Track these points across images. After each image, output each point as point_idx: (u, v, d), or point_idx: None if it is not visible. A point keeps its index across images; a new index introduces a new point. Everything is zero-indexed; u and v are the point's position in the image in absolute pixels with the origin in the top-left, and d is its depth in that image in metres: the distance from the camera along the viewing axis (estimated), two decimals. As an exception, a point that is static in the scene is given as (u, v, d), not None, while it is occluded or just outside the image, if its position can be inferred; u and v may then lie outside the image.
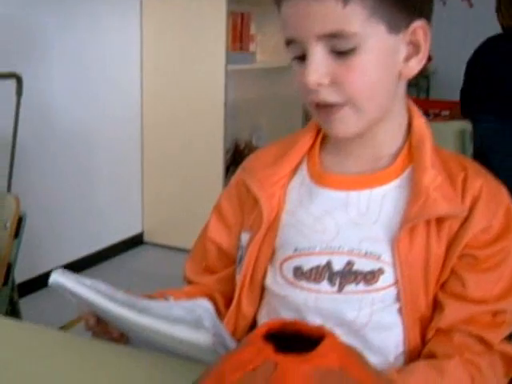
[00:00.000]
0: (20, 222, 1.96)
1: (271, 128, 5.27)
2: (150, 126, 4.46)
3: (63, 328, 3.22)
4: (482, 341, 1.19)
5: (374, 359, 1.15)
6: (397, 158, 1.25)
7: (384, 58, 1.16)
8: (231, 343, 1.11)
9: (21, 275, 3.30)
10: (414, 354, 1.22)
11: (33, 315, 3.30)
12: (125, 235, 4.50)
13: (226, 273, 1.40)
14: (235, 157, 5.00)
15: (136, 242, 4.60)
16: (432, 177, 1.20)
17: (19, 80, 2.94)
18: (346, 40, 1.11)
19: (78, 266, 3.92)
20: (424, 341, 1.22)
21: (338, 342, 0.85)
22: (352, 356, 0.85)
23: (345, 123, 1.19)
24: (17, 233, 1.95)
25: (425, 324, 1.21)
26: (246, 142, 5.18)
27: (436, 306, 1.21)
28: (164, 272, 3.78)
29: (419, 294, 1.19)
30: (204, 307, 1.07)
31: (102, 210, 4.28)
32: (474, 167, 1.26)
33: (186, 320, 1.07)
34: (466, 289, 1.18)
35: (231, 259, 1.39)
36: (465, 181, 1.21)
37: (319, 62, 1.13)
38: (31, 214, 3.54)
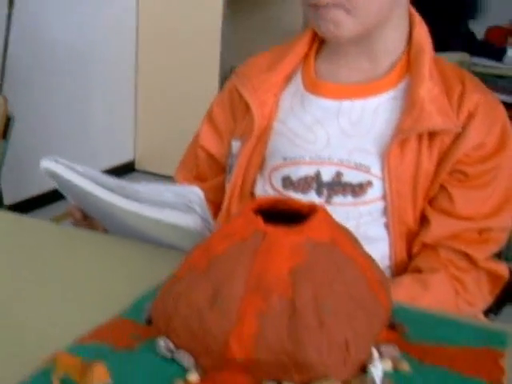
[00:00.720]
0: (8, 122, 1.92)
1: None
2: (145, 54, 4.39)
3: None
4: (467, 257, 1.19)
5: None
6: (394, 68, 1.23)
7: None
8: None
9: (11, 197, 3.30)
10: (400, 269, 1.22)
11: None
12: (115, 162, 4.46)
13: (217, 181, 1.39)
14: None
15: (127, 169, 4.57)
16: (428, 88, 1.17)
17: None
18: None
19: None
20: (410, 256, 1.22)
21: (331, 217, 0.84)
22: (344, 233, 0.84)
23: (340, 26, 1.16)
24: (5, 134, 1.92)
25: (411, 239, 1.21)
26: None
27: (422, 221, 1.20)
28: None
29: (407, 208, 1.19)
30: (195, 193, 1.06)
31: (94, 134, 4.22)
32: (473, 82, 1.24)
33: (175, 205, 1.06)
34: (454, 205, 1.18)
35: (222, 167, 1.38)
36: (462, 95, 1.19)
37: None
38: (22, 133, 3.56)
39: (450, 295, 1.17)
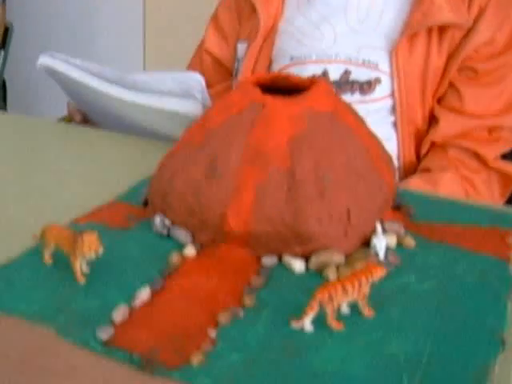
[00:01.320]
0: (6, 31, 1.87)
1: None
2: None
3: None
4: (477, 156, 1.16)
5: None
6: None
7: None
8: None
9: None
10: (409, 170, 1.20)
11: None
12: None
13: (223, 87, 1.35)
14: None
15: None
16: None
17: None
18: None
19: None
20: (419, 157, 1.20)
21: (333, 90, 0.80)
22: (347, 107, 0.81)
23: None
24: (4, 43, 1.87)
25: (420, 139, 1.19)
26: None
27: (431, 120, 1.18)
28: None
29: (415, 106, 1.16)
30: (195, 79, 1.03)
31: (101, 48, 4.16)
32: None
33: (175, 92, 1.03)
34: (463, 103, 1.15)
35: (228, 72, 1.34)
36: None
37: None
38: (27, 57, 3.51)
39: (460, 195, 1.14)
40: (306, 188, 0.71)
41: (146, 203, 0.82)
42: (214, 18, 1.37)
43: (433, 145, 1.17)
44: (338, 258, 0.71)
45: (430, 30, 1.14)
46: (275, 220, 0.71)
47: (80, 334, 0.57)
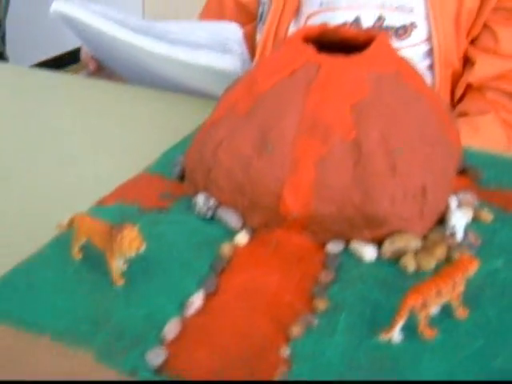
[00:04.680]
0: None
1: None
2: None
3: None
4: None
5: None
6: None
7: None
8: None
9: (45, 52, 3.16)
10: None
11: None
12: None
13: (246, 30, 1.24)
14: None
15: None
16: None
17: None
18: None
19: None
20: (454, 101, 1.13)
21: (392, 47, 0.69)
22: (408, 64, 0.70)
23: None
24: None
25: (456, 81, 1.13)
26: None
27: (466, 62, 1.12)
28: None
29: (452, 48, 1.09)
30: (232, 30, 0.93)
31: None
32: None
33: (210, 44, 0.93)
34: (499, 44, 1.08)
35: (251, 15, 1.23)
36: None
37: None
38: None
39: (502, 138, 1.08)
40: (374, 162, 0.61)
41: (181, 176, 0.72)
42: None
43: (469, 87, 1.12)
44: (415, 243, 0.61)
45: None
46: (340, 200, 0.61)
47: (126, 359, 0.48)
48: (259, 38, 1.18)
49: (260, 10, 1.19)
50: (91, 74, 1.10)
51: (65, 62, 3.47)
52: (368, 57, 0.65)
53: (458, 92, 1.13)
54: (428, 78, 1.12)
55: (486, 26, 1.10)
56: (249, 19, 1.24)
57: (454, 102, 1.14)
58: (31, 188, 0.74)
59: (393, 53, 0.68)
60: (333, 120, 0.62)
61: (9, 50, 2.51)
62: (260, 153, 0.63)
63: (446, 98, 1.13)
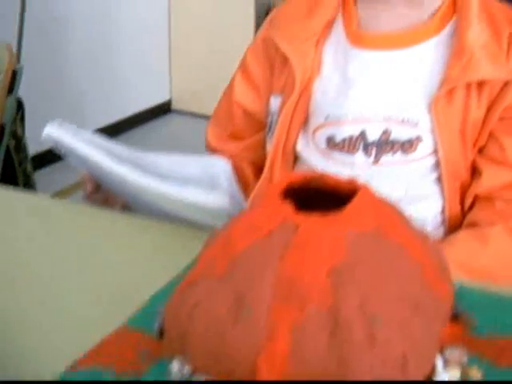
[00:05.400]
0: (14, 75, 1.75)
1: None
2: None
3: (58, 194, 3.07)
4: None
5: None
6: (439, 9, 1.11)
7: None
8: None
9: (37, 146, 3.18)
10: (455, 225, 1.12)
11: (49, 189, 3.19)
12: (152, 103, 4.32)
13: (255, 139, 1.26)
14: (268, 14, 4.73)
15: (164, 110, 4.43)
16: (477, 33, 1.07)
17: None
18: None
19: (104, 135, 3.77)
20: (463, 212, 1.13)
21: (374, 196, 0.68)
22: (392, 213, 0.69)
23: None
24: (11, 88, 1.74)
25: (465, 191, 1.12)
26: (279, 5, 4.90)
27: (474, 172, 1.11)
28: (193, 141, 3.60)
29: (459, 159, 1.09)
30: (221, 166, 0.93)
31: (128, 78, 4.09)
32: None
33: (199, 179, 0.93)
34: (506, 153, 1.08)
35: (260, 124, 1.24)
36: (511, 36, 1.08)
37: None
38: (46, 81, 3.43)
39: (511, 250, 1.07)
40: (352, 332, 0.59)
41: (161, 332, 0.71)
42: (243, 67, 1.26)
43: (477, 197, 1.11)
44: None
45: (468, 84, 1.08)
46: (316, 370, 0.59)
47: None
48: (269, 148, 1.19)
49: (269, 119, 1.20)
50: (90, 194, 1.10)
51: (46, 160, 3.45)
52: (348, 214, 0.64)
53: (467, 202, 1.12)
54: (436, 191, 1.12)
55: (492, 135, 1.09)
56: (258, 128, 1.25)
57: (464, 212, 1.13)
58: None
59: (374, 204, 0.67)
60: (309, 285, 0.60)
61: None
62: (236, 318, 0.61)
63: (456, 208, 1.12)
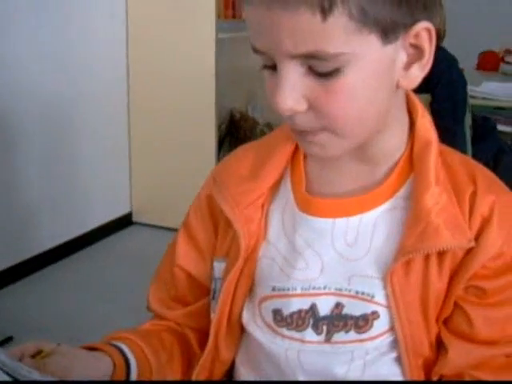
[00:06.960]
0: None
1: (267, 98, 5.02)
2: (137, 100, 4.18)
3: None
4: None
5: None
6: (394, 169, 1.02)
7: (376, 75, 0.89)
8: None
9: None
10: None
11: (11, 308, 3.08)
12: (112, 216, 4.23)
13: (199, 306, 1.16)
14: (230, 128, 4.74)
15: (124, 222, 4.35)
16: (435, 197, 0.97)
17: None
18: (327, 61, 0.85)
19: (63, 251, 3.70)
20: None
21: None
22: None
23: (327, 148, 0.95)
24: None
25: (429, 368, 1.02)
26: (242, 112, 4.91)
27: (439, 346, 1.01)
28: (155, 253, 3.53)
29: (420, 336, 0.99)
30: None
31: (87, 191, 4.01)
32: (486, 179, 1.02)
33: None
34: (474, 328, 0.98)
35: (205, 289, 1.15)
36: (473, 197, 0.99)
37: (293, 84, 0.88)
38: (6, 199, 3.32)
39: None
40: None
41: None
42: (186, 226, 1.17)
43: (444, 377, 1.00)
44: None
45: (427, 254, 0.98)
46: None
47: None
48: (213, 317, 1.09)
49: (212, 285, 1.11)
50: None
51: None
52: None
53: (433, 379, 1.01)
54: (397, 370, 1.01)
55: (457, 306, 1.00)
56: (203, 293, 1.15)
57: None
58: None
59: None
60: None
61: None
62: None
63: None
